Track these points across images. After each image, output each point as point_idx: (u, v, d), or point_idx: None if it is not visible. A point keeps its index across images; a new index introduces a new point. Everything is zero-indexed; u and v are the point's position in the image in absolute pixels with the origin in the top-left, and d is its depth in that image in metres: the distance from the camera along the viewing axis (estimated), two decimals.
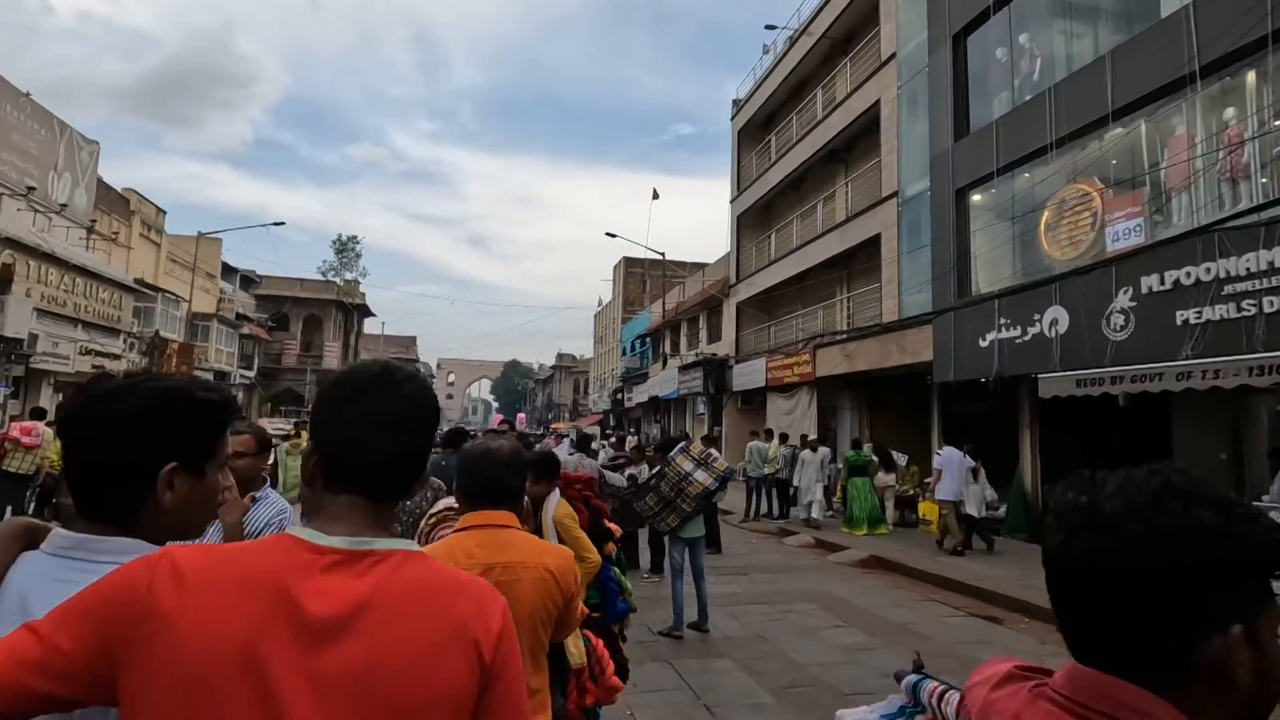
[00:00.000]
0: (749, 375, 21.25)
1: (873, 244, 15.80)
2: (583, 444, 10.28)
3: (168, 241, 27.21)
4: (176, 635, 0.75)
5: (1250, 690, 0.62)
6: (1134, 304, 8.94)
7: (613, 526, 3.66)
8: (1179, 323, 8.29)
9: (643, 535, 8.28)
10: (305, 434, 14.19)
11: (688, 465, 6.15)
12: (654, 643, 5.77)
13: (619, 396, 38.38)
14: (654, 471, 6.71)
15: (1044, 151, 10.71)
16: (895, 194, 14.90)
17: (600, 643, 2.93)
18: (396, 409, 0.92)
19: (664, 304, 30.47)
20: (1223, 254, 7.89)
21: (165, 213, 27.17)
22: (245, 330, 33.51)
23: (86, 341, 19.01)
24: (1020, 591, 7.53)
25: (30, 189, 18.24)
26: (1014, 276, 11.47)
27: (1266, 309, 7.42)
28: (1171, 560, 0.62)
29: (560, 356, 69.79)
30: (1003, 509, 11.70)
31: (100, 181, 22.28)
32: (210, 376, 24.39)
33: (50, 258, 17.56)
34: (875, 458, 12.69)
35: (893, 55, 15.26)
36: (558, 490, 3.33)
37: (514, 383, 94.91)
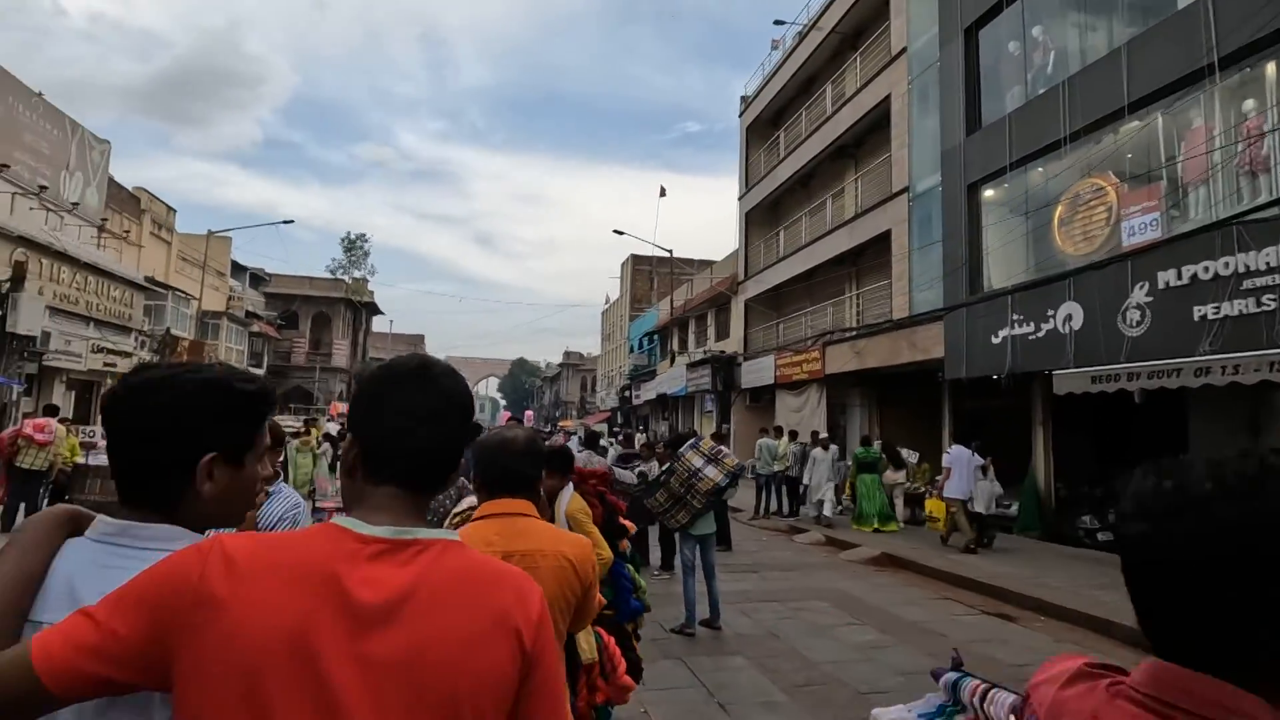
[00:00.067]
0: (757, 372, 21.17)
1: (883, 240, 15.70)
2: (591, 441, 10.28)
3: (178, 240, 27.36)
4: (230, 622, 0.77)
5: None
6: (1150, 299, 8.83)
7: (627, 524, 3.62)
8: (1196, 318, 8.17)
9: (653, 532, 8.24)
10: (315, 431, 14.23)
11: (698, 461, 6.10)
12: (666, 640, 5.73)
13: (627, 394, 38.35)
14: (664, 468, 6.67)
15: (1058, 146, 10.59)
16: (906, 190, 14.78)
17: (612, 640, 2.89)
18: (435, 402, 0.95)
19: (672, 301, 30.39)
20: (1242, 248, 7.77)
21: (175, 211, 27.33)
22: (255, 328, 33.68)
23: (98, 339, 19.13)
24: (1034, 590, 7.46)
25: (43, 188, 18.35)
26: (1027, 272, 11.35)
27: None
28: (1272, 548, 0.58)
29: (567, 354, 69.82)
30: (1014, 506, 11.61)
31: (111, 181, 22.41)
32: None
33: (62, 256, 17.68)
34: (884, 455, 12.62)
35: (903, 50, 15.14)
36: (572, 484, 3.30)
37: (521, 381, 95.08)
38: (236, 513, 1.02)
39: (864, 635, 6.10)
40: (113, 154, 22.08)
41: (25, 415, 13.12)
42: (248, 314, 33.28)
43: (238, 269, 35.27)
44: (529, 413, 50.73)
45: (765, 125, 24.03)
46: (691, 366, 26.23)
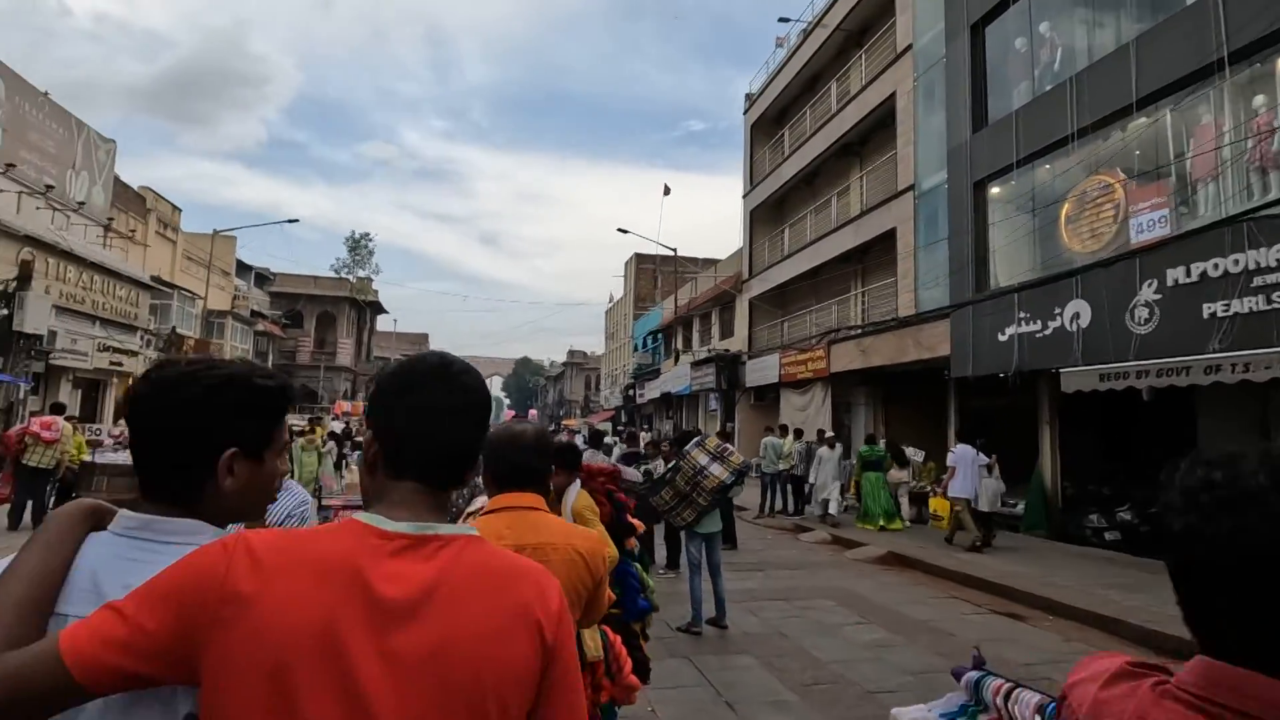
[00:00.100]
0: (762, 371, 21.13)
1: (888, 238, 15.63)
2: (595, 440, 10.24)
3: (183, 239, 27.44)
4: (257, 617, 0.78)
5: None
6: (1159, 297, 8.77)
7: (636, 523, 3.60)
8: (1206, 315, 8.11)
9: (658, 531, 8.22)
10: (320, 430, 14.28)
11: (703, 459, 6.08)
12: (673, 638, 5.71)
13: (631, 393, 38.34)
14: (669, 466, 6.64)
15: (1065, 142, 10.52)
16: (911, 187, 14.72)
17: (618, 639, 2.87)
18: (455, 399, 0.96)
19: (676, 300, 30.36)
20: (1252, 245, 7.71)
21: (181, 210, 27.41)
22: (260, 327, 33.77)
23: (104, 338, 19.20)
24: (1042, 589, 7.42)
25: (49, 187, 18.42)
26: (1034, 270, 11.29)
27: None
28: None
29: (571, 353, 69.83)
30: (1020, 505, 11.56)
31: (117, 180, 22.49)
32: None
33: (69, 255, 17.74)
34: (888, 453, 12.58)
35: (909, 47, 15.07)
36: (579, 481, 3.27)
37: (525, 380, 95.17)
38: (256, 507, 1.03)
39: (872, 634, 6.07)
40: (118, 153, 22.16)
41: (32, 413, 13.17)
42: (253, 313, 33.38)
43: (243, 268, 35.38)
44: (532, 411, 50.85)
45: (770, 123, 23.97)
46: (696, 365, 26.20)
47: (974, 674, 1.61)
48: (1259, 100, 8.32)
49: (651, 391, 33.29)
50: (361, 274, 48.94)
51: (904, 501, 12.54)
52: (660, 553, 8.57)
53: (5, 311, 15.09)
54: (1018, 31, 12.11)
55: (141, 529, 0.92)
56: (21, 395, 15.88)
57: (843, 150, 18.90)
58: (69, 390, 17.78)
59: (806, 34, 20.52)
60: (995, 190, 12.40)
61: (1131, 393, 8.89)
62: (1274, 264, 7.51)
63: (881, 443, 12.83)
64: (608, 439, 14.27)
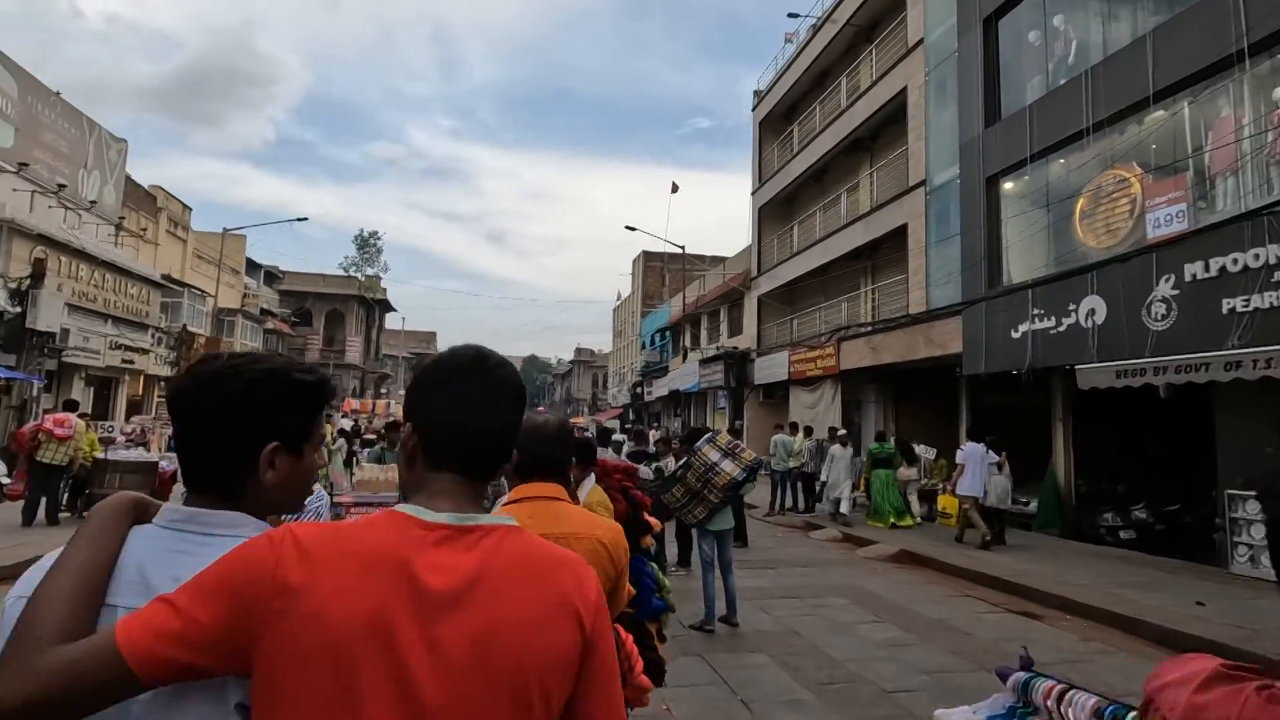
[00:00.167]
0: (771, 368, 21.05)
1: (899, 234, 15.52)
2: (603, 438, 10.20)
3: (193, 238, 27.58)
4: (308, 609, 0.79)
5: None
6: (1176, 292, 8.65)
7: (653, 521, 3.56)
8: (1225, 311, 8.00)
9: (668, 528, 8.18)
10: (330, 427, 14.29)
11: (714, 455, 6.02)
12: (685, 636, 5.68)
13: (639, 390, 38.30)
14: (680, 462, 6.60)
15: (1080, 137, 10.41)
16: (923, 183, 14.61)
17: (630, 638, 2.84)
18: (491, 391, 0.98)
19: (684, 297, 30.28)
20: (1273, 239, 7.59)
21: (191, 209, 27.55)
22: (269, 325, 33.94)
23: (116, 336, 19.32)
24: (1058, 587, 7.34)
25: (61, 186, 18.53)
26: (1048, 266, 11.18)
27: None
28: None
29: (579, 351, 69.87)
30: (1033, 503, 11.45)
31: (128, 179, 22.61)
32: None
33: (80, 254, 17.86)
34: (898, 451, 12.50)
35: (920, 41, 14.95)
36: (593, 476, 3.24)
37: (533, 377, 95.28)
38: (295, 500, 1.05)
39: (886, 633, 6.02)
40: (129, 153, 22.28)
41: (45, 411, 13.26)
42: (262, 311, 33.54)
43: (252, 266, 35.56)
44: (540, 409, 50.88)
45: (778, 120, 23.86)
46: (704, 363, 26.13)
47: (1022, 675, 1.55)
48: (1279, 92, 8.20)
49: (659, 389, 33.24)
50: (370, 272, 49.07)
51: (913, 499, 12.45)
52: (671, 550, 8.53)
53: (19, 309, 15.20)
54: (1031, 25, 11.99)
55: (187, 521, 0.94)
56: (35, 393, 16.00)
57: (853, 146, 18.78)
58: (81, 388, 17.90)
59: (816, 29, 20.40)
60: (1008, 185, 12.28)
61: (1146, 391, 8.78)
62: None
63: (891, 440, 12.75)
64: (616, 436, 14.23)
